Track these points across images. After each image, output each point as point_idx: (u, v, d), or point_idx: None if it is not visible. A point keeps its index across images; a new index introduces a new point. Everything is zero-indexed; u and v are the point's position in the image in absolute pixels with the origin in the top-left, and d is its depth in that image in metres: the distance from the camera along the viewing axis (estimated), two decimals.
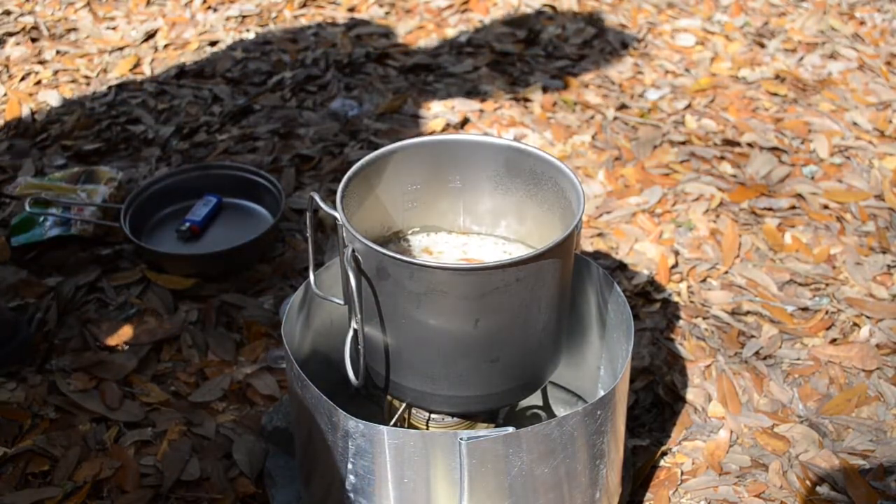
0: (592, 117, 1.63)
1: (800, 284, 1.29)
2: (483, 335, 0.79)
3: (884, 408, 1.12)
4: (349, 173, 0.82)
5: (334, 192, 0.80)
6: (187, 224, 1.34)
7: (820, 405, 1.12)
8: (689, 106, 1.66)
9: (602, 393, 0.86)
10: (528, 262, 0.75)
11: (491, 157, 0.88)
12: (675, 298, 1.26)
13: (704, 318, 1.23)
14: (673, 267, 1.32)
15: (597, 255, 1.33)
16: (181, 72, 1.74)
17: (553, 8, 1.97)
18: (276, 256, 1.33)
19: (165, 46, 1.82)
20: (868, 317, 1.23)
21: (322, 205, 0.79)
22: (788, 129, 1.60)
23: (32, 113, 1.63)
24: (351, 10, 1.96)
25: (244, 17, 1.93)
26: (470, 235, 0.93)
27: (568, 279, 0.84)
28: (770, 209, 1.42)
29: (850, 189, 1.47)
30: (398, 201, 0.89)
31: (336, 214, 0.78)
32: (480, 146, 0.88)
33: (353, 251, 0.77)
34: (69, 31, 1.87)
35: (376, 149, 0.86)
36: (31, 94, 1.68)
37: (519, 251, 0.91)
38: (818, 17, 1.95)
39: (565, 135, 1.58)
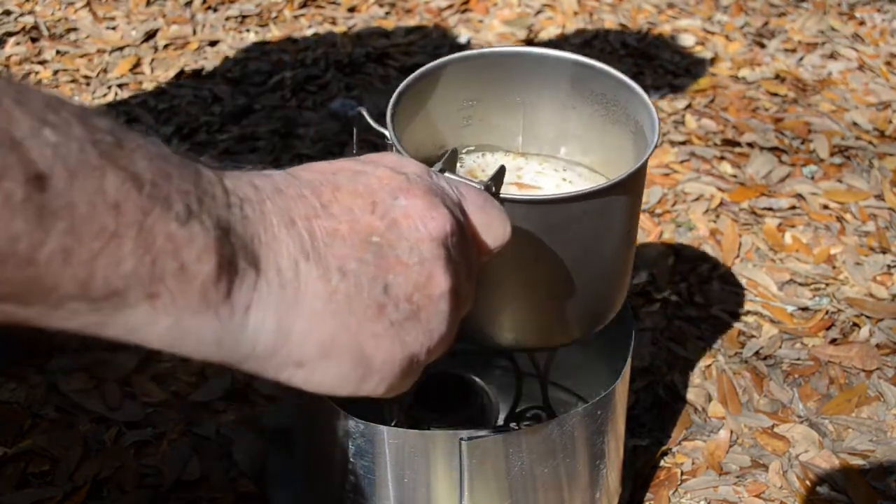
0: None
1: (800, 284, 1.29)
2: (544, 272, 0.72)
3: (884, 408, 1.12)
4: (401, 87, 0.75)
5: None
6: None
7: (820, 405, 1.12)
8: (689, 106, 1.66)
9: (602, 393, 0.86)
10: (596, 196, 0.69)
11: (555, 73, 0.81)
12: (675, 298, 1.26)
13: (704, 319, 1.23)
14: (673, 267, 1.32)
15: None
16: (181, 72, 1.75)
17: (553, 8, 1.97)
18: None
19: (165, 46, 1.82)
20: (868, 317, 1.23)
21: (371, 121, 0.73)
22: (788, 129, 1.60)
23: None
24: (351, 10, 1.96)
25: (244, 17, 1.93)
26: (528, 158, 0.86)
27: (637, 214, 0.78)
28: (770, 209, 1.42)
29: (850, 189, 1.47)
30: (452, 118, 0.82)
31: (385, 132, 0.72)
32: (544, 60, 0.80)
33: None
34: (69, 31, 1.87)
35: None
36: None
37: (580, 180, 0.84)
38: (818, 17, 1.95)
39: None
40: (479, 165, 0.84)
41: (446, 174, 0.55)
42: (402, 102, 0.75)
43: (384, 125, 0.73)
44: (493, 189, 0.61)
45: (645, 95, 0.75)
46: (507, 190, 0.78)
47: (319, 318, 0.42)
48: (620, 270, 0.79)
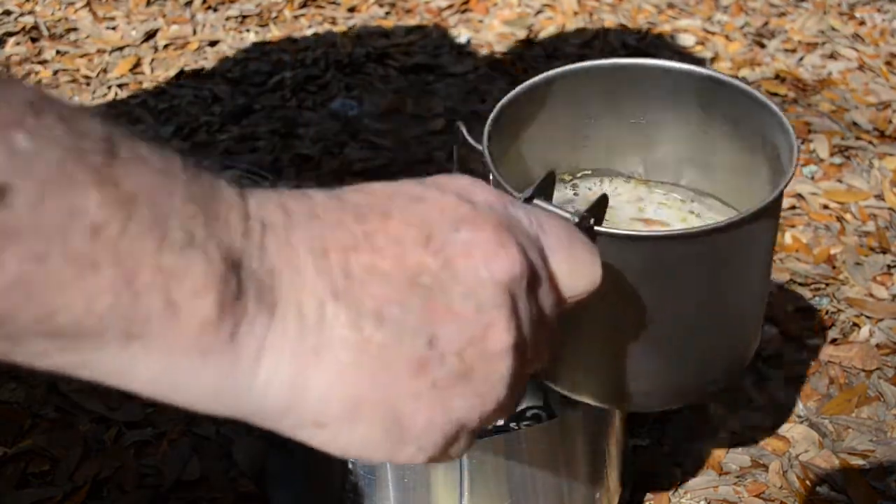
0: None
1: (800, 284, 1.29)
2: (645, 323, 0.63)
3: (884, 408, 1.12)
4: (502, 102, 0.67)
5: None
6: None
7: (820, 405, 1.12)
8: None
9: None
10: (724, 231, 0.60)
11: (682, 90, 0.73)
12: None
13: None
14: None
15: None
16: (181, 72, 1.75)
17: (553, 8, 1.97)
18: None
19: (165, 46, 1.82)
20: (868, 317, 1.23)
21: (470, 139, 0.65)
22: None
23: None
24: (351, 10, 1.96)
25: (244, 17, 1.93)
26: (651, 186, 0.77)
27: (772, 251, 0.70)
28: None
29: (850, 189, 1.47)
30: (565, 139, 0.75)
31: (482, 149, 0.64)
32: (669, 74, 0.72)
33: None
34: (69, 31, 1.87)
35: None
36: None
37: (709, 212, 0.75)
38: (818, 17, 1.95)
39: None
40: (594, 194, 0.75)
41: (535, 201, 0.47)
42: (502, 120, 0.66)
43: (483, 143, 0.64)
44: (590, 222, 0.52)
45: (784, 117, 0.68)
46: (632, 227, 0.70)
47: (345, 371, 0.35)
48: (749, 323, 0.69)
